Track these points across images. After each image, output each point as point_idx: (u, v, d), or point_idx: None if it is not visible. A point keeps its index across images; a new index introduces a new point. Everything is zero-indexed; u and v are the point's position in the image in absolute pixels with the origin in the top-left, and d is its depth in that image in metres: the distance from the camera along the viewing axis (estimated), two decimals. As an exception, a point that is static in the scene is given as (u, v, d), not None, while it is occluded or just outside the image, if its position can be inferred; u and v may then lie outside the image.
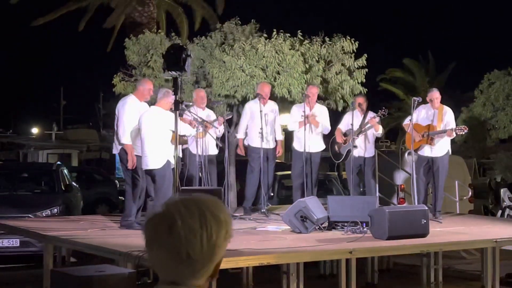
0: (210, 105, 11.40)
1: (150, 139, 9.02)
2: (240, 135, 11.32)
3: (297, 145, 11.39)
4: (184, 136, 9.54)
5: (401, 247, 8.18)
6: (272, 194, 14.80)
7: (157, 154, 8.98)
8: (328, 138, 11.77)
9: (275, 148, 11.32)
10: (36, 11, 23.66)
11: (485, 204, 17.93)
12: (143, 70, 12.83)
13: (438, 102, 10.82)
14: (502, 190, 16.49)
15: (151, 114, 9.14)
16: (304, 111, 10.97)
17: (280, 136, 11.51)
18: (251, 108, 11.20)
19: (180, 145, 10.00)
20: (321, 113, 11.33)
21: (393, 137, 34.41)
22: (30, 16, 23.97)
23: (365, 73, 12.54)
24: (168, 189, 8.75)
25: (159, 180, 8.96)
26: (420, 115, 10.91)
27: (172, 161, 8.81)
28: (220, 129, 10.78)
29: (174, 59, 7.74)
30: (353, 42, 12.51)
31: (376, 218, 8.28)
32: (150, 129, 9.04)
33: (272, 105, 11.29)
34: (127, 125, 9.39)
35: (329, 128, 11.43)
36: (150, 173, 9.12)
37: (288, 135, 11.87)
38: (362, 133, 11.31)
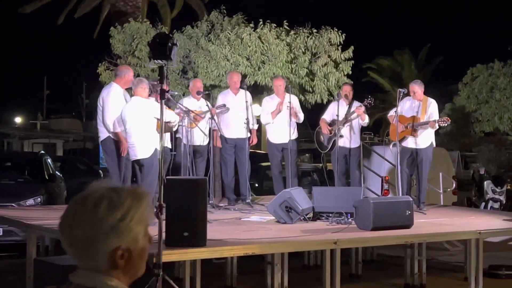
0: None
1: (136, 129, 8.98)
2: (214, 126, 11.20)
3: (271, 137, 11.35)
4: (169, 122, 9.50)
5: (385, 238, 8.20)
6: (256, 185, 14.81)
7: (145, 143, 8.95)
8: (313, 128, 11.76)
9: (248, 138, 11.22)
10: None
11: (468, 196, 18.04)
12: (128, 59, 12.77)
13: (419, 94, 10.82)
14: (485, 182, 16.62)
15: (133, 105, 9.12)
16: (290, 102, 10.94)
17: (255, 125, 11.43)
18: (224, 98, 11.14)
19: (169, 134, 9.98)
20: (294, 102, 11.28)
21: (376, 129, 34.57)
22: (15, 4, 23.74)
23: (351, 65, 12.53)
24: (154, 178, 8.72)
25: (146, 169, 8.93)
26: (405, 107, 10.93)
27: (159, 150, 8.78)
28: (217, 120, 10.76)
29: (160, 48, 7.67)
30: (340, 34, 12.49)
31: (361, 209, 8.29)
32: (135, 119, 9.00)
33: (246, 95, 11.14)
34: (113, 114, 9.37)
35: (303, 116, 11.40)
36: (138, 162, 9.09)
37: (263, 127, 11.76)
38: (348, 122, 11.30)
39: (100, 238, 1.94)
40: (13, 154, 20.71)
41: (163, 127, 7.24)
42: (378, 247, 11.01)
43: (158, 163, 8.74)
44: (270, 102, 11.28)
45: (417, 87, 10.84)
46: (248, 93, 11.10)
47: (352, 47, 12.53)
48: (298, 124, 11.41)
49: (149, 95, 9.52)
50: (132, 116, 9.01)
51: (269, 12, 13.76)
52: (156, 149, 8.91)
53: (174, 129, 9.99)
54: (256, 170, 14.22)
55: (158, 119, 8.57)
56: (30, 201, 12.23)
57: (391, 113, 11.09)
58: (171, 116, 9.52)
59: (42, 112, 45.64)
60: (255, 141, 11.35)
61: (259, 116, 11.46)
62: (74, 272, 2.01)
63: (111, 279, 1.97)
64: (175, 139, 10.64)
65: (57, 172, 15.34)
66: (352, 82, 12.40)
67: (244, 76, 11.77)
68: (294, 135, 11.25)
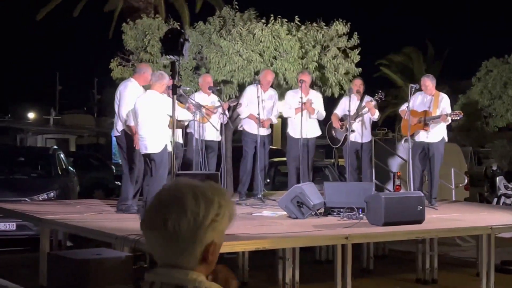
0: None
1: (147, 123, 9.00)
2: (244, 115, 11.25)
3: (292, 131, 11.39)
4: (182, 121, 9.53)
5: (396, 233, 8.20)
6: (268, 180, 14.83)
7: (155, 138, 8.97)
8: (325, 124, 11.79)
9: (270, 134, 11.32)
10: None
11: (480, 192, 17.98)
12: (140, 55, 12.81)
13: (430, 89, 10.77)
14: (498, 178, 16.56)
15: (147, 98, 9.13)
16: (301, 97, 10.98)
17: (274, 120, 11.49)
18: (251, 92, 11.20)
19: (180, 129, 10.03)
20: (316, 99, 11.33)
21: (390, 125, 34.44)
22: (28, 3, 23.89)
23: (358, 52, 12.57)
24: (164, 173, 8.75)
25: (156, 164, 8.96)
26: (417, 102, 10.90)
27: (170, 146, 8.82)
28: (227, 116, 10.84)
29: (172, 43, 7.72)
30: (345, 24, 12.54)
31: (372, 204, 8.29)
32: (147, 113, 9.02)
33: (272, 93, 11.28)
34: (129, 107, 9.44)
35: (324, 114, 11.44)
36: (148, 157, 9.12)
37: (284, 121, 11.85)
38: (359, 117, 11.32)
39: (201, 232, 1.96)
40: (26, 149, 20.79)
41: (175, 123, 7.27)
42: (389, 242, 11.00)
43: (169, 157, 8.79)
44: (294, 96, 11.29)
45: (428, 81, 10.80)
46: (274, 91, 11.23)
47: (356, 33, 12.60)
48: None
49: None
50: (144, 109, 9.02)
51: (280, 7, 13.75)
52: (166, 144, 8.94)
53: (186, 124, 10.05)
54: (268, 165, 14.24)
55: (171, 116, 8.60)
56: (43, 196, 12.31)
57: (403, 108, 11.06)
58: (184, 115, 9.55)
59: (55, 107, 45.80)
60: (266, 124, 11.34)
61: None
62: (153, 270, 2.01)
63: (198, 274, 1.98)
64: (186, 134, 10.69)
65: (70, 167, 15.42)
66: (360, 70, 12.44)
67: (256, 73, 11.84)
68: (317, 133, 11.35)
